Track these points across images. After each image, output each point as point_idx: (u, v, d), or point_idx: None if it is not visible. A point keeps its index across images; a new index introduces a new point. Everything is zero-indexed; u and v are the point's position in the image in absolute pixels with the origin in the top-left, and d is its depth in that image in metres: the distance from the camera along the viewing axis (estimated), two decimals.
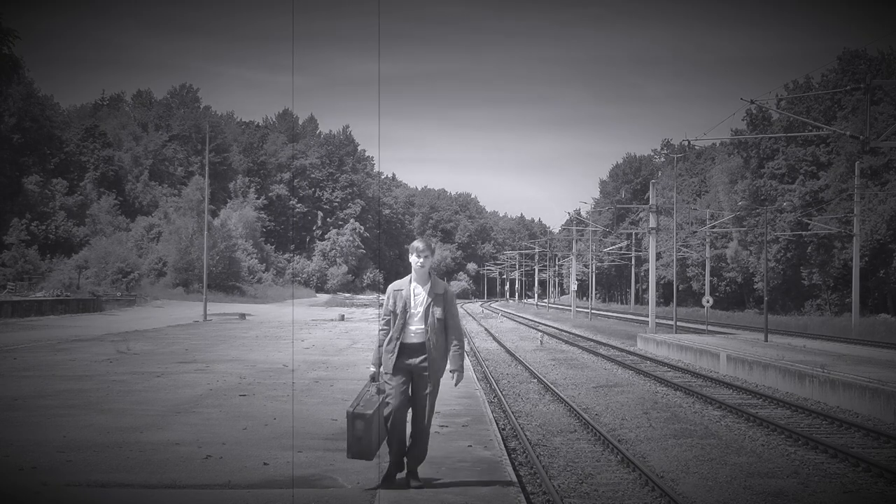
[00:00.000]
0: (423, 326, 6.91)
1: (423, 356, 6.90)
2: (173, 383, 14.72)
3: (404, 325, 6.91)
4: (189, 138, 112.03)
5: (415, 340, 6.91)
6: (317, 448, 8.88)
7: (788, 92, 68.65)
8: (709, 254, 63.87)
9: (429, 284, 7.01)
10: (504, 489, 7.45)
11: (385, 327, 7.02)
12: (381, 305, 7.15)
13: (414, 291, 6.99)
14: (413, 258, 7.00)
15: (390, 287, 7.12)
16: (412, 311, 6.93)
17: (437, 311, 6.95)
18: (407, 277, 7.09)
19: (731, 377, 22.63)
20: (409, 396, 6.96)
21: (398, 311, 6.92)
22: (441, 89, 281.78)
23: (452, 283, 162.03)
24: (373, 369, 7.06)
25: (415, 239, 7.38)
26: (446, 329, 7.00)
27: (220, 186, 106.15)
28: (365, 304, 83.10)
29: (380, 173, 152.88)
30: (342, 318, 46.85)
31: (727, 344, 28.24)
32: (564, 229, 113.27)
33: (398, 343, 6.90)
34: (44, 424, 10.28)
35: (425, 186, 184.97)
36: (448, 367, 7.02)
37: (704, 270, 65.13)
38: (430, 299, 6.94)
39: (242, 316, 46.80)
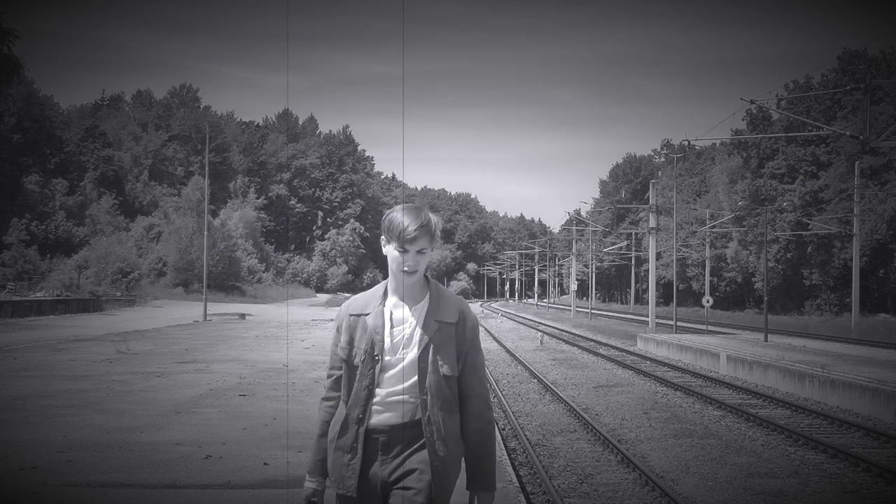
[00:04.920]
0: (406, 391, 3.20)
1: (417, 453, 3.18)
2: (173, 383, 14.73)
3: (371, 388, 3.20)
4: (189, 138, 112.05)
5: (393, 420, 3.19)
6: None
7: (788, 92, 68.69)
8: (709, 254, 63.87)
9: (425, 302, 3.25)
10: (504, 489, 7.45)
11: (333, 394, 3.33)
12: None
13: (392, 317, 3.24)
14: (390, 248, 3.21)
15: (343, 309, 3.36)
16: (387, 357, 3.20)
17: (445, 362, 3.20)
18: (377, 288, 3.33)
19: (731, 377, 22.63)
20: None
21: (357, 360, 3.22)
22: (441, 89, 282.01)
23: (452, 283, 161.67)
24: (310, 486, 3.34)
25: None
26: (463, 397, 3.28)
27: (220, 186, 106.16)
28: None
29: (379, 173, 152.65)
30: None
31: (727, 344, 28.23)
32: (564, 229, 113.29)
33: (360, 430, 3.19)
34: (44, 424, 10.28)
35: (425, 186, 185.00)
36: (467, 481, 3.29)
37: (704, 270, 65.12)
38: (425, 334, 3.20)
39: (242, 316, 46.83)
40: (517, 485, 7.90)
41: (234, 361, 19.11)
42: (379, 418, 3.20)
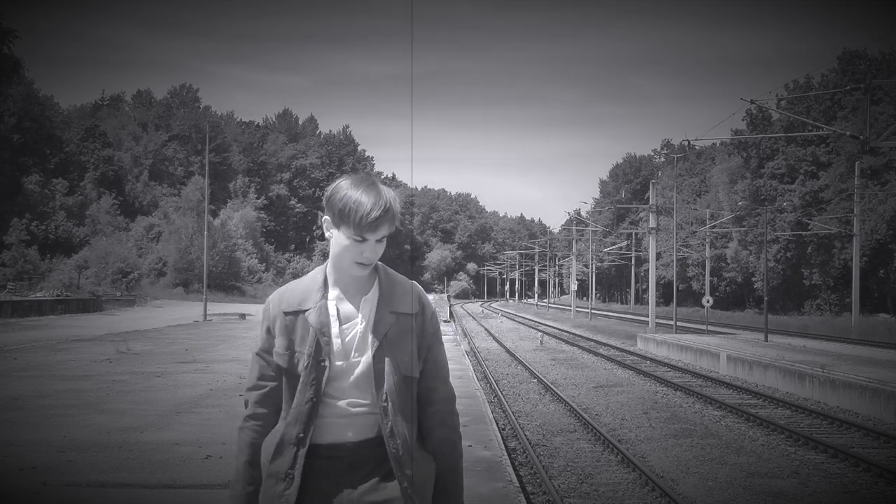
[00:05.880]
0: (367, 401, 2.58)
1: (382, 477, 2.57)
2: (173, 383, 14.72)
3: (315, 401, 2.56)
4: (189, 138, 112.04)
5: (351, 438, 2.58)
6: None
7: (788, 92, 68.70)
8: (709, 254, 63.88)
9: (374, 291, 2.64)
10: (504, 489, 7.46)
11: (261, 411, 2.67)
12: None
13: (339, 312, 2.63)
14: (340, 235, 2.57)
15: (272, 304, 2.68)
16: (339, 362, 2.58)
17: (404, 361, 2.62)
18: (313, 277, 2.69)
19: (731, 377, 22.63)
20: None
21: (298, 368, 2.59)
22: (441, 89, 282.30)
23: (452, 283, 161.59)
24: None
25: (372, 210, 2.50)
26: (425, 402, 2.70)
27: (220, 186, 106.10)
28: None
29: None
30: None
31: (727, 344, 28.23)
32: (564, 229, 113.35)
33: (300, 453, 2.56)
34: (44, 424, 10.28)
35: (425, 186, 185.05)
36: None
37: (704, 270, 65.13)
38: (380, 328, 2.61)
39: (242, 316, 46.79)
40: (517, 485, 7.90)
41: (234, 361, 19.10)
42: (338, 435, 2.57)
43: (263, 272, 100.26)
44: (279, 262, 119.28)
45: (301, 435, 2.56)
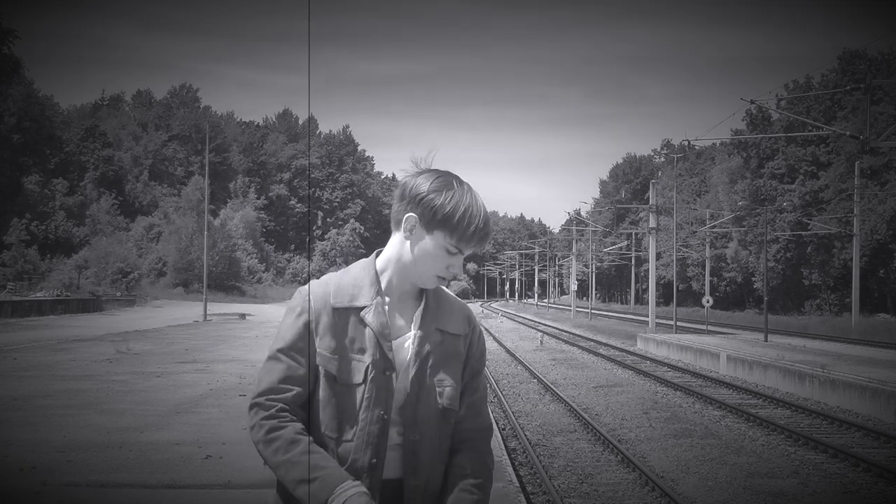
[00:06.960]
0: (399, 432, 2.16)
1: None
2: (173, 383, 14.73)
3: (387, 419, 2.11)
4: (189, 138, 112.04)
5: (387, 474, 2.15)
6: None
7: (788, 92, 68.73)
8: (709, 254, 63.89)
9: (421, 305, 2.22)
10: (504, 489, 7.46)
11: (301, 414, 2.14)
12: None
13: (397, 321, 2.21)
14: (431, 241, 2.16)
15: (317, 295, 2.19)
16: (399, 380, 2.16)
17: (447, 389, 2.18)
18: (363, 272, 2.23)
19: (731, 377, 22.63)
20: None
21: (356, 377, 2.13)
22: (441, 89, 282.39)
23: (452, 283, 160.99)
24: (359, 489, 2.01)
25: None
26: (459, 441, 2.22)
27: (220, 186, 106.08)
28: None
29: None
30: None
31: (727, 344, 28.23)
32: (564, 229, 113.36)
33: (374, 483, 2.10)
34: (44, 424, 10.29)
35: None
36: None
37: (704, 270, 65.14)
38: (425, 345, 2.18)
39: (242, 316, 46.81)
40: (517, 485, 7.90)
41: (234, 361, 19.11)
42: (393, 468, 2.15)
43: (263, 272, 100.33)
44: (279, 262, 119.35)
45: (374, 461, 2.10)
